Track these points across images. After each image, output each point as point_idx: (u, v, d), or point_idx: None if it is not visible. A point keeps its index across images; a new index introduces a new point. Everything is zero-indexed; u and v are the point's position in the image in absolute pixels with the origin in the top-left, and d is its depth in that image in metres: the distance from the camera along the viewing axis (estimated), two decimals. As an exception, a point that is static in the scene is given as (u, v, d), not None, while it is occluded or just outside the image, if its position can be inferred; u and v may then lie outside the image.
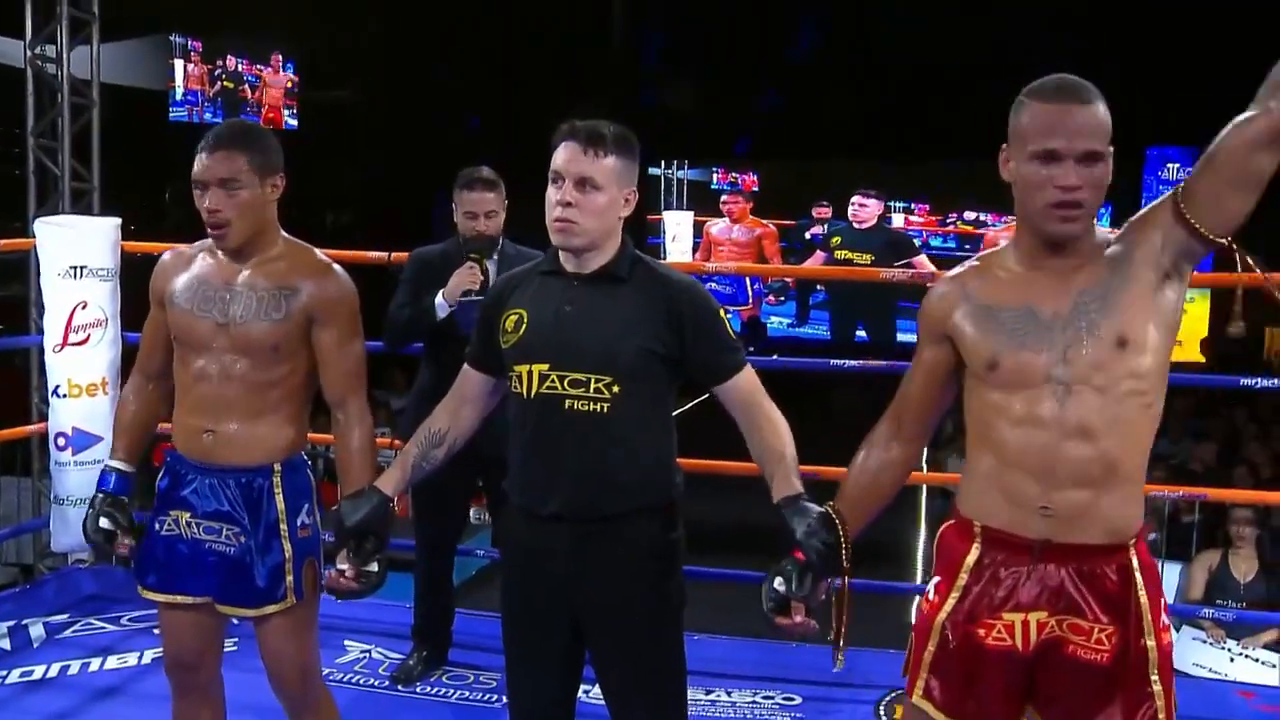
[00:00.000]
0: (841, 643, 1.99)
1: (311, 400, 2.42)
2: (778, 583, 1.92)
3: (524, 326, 2.14)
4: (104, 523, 2.33)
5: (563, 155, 2.10)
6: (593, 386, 2.07)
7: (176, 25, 11.12)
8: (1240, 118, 1.75)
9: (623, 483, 2.11)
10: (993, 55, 10.86)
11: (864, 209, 11.68)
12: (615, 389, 2.08)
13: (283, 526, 2.30)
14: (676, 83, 12.63)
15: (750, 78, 13.38)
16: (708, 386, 2.18)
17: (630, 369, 2.09)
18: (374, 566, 2.19)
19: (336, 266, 2.36)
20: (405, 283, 3.42)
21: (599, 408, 2.08)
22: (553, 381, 2.09)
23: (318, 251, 2.39)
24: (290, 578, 2.30)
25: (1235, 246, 1.82)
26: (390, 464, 2.33)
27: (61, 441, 3.94)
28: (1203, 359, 9.66)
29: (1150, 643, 1.80)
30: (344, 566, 2.18)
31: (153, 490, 2.37)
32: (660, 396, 2.17)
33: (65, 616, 3.87)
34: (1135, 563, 1.82)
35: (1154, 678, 1.81)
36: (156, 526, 2.34)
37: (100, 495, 2.37)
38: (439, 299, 3.28)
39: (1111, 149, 1.79)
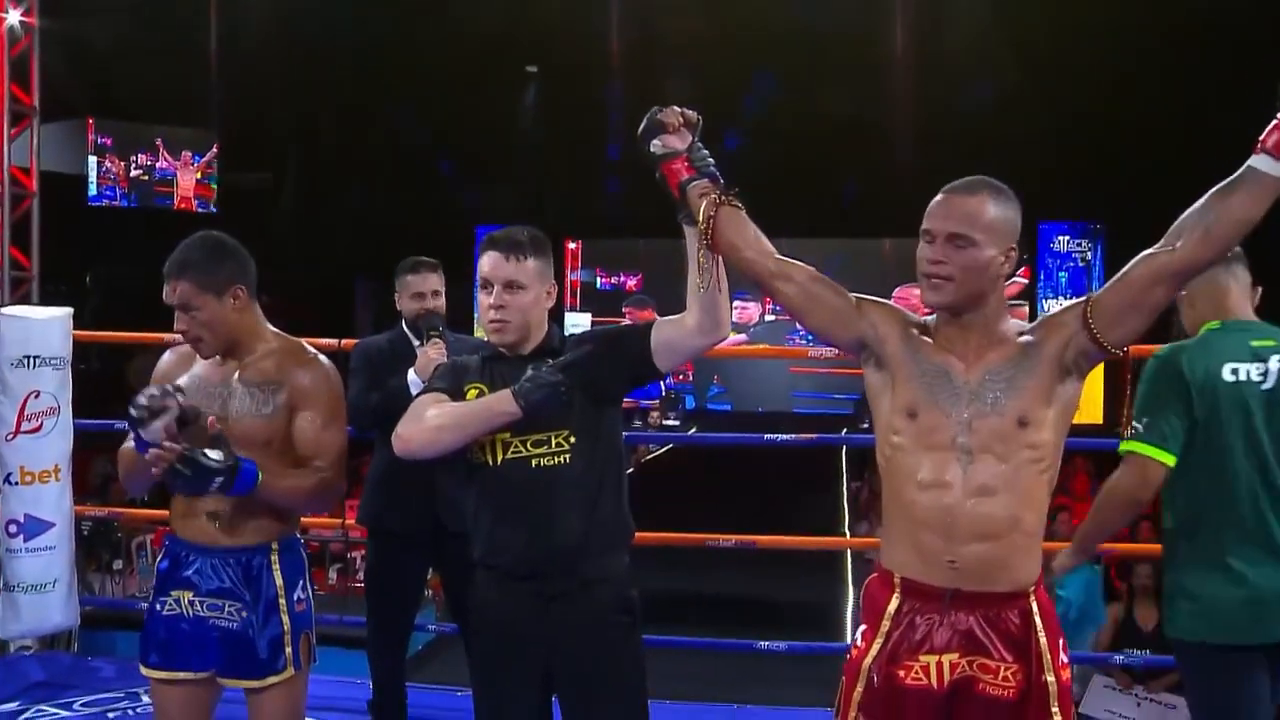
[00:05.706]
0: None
1: None
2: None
3: None
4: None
5: (488, 264, 2.33)
6: (553, 442, 2.29)
7: (91, 110, 11.19)
8: (1150, 250, 1.99)
9: (590, 528, 2.29)
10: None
11: (745, 311, 12.63)
12: (572, 440, 2.29)
13: (281, 601, 2.43)
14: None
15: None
16: (648, 363, 2.32)
17: (581, 417, 2.29)
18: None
19: (321, 358, 2.50)
20: (357, 371, 3.52)
21: (562, 459, 2.29)
22: (516, 446, 2.29)
23: (306, 345, 2.53)
24: (289, 649, 2.43)
25: (1127, 359, 2.06)
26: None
27: (13, 529, 3.95)
28: (1100, 421, 10.12)
29: (1050, 678, 2.03)
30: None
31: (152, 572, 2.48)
32: (611, 443, 2.36)
33: (15, 705, 3.86)
34: (1035, 607, 2.05)
35: (1054, 709, 2.03)
36: (158, 607, 2.46)
37: None
38: (411, 376, 3.33)
39: (1004, 244, 1.99)
